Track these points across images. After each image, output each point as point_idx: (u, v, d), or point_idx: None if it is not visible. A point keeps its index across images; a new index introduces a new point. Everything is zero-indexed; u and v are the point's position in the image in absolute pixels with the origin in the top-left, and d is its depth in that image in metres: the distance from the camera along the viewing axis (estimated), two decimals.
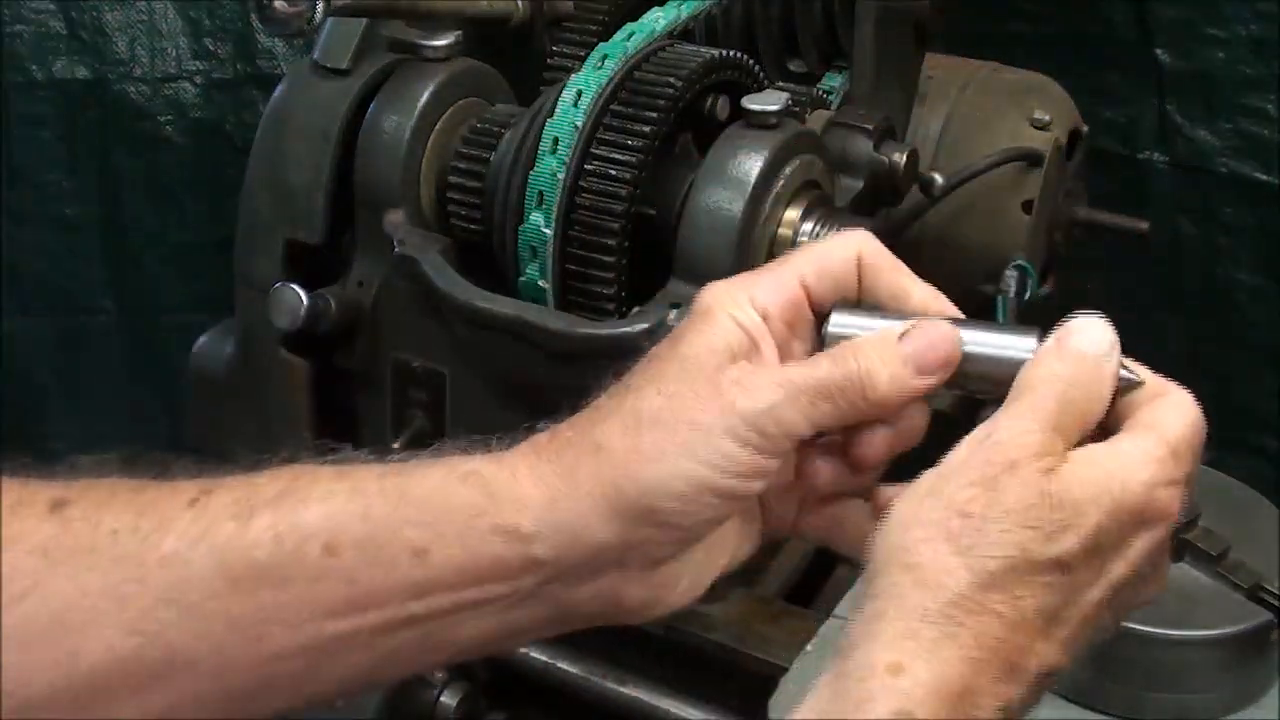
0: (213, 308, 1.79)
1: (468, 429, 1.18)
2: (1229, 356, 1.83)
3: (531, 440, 0.73)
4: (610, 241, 1.10)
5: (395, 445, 1.20)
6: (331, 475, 0.70)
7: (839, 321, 0.73)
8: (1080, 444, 0.68)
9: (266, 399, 1.26)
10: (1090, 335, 0.69)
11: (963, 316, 0.74)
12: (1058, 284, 1.49)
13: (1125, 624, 0.95)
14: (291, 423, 1.25)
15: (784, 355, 0.73)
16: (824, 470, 0.74)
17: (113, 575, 0.66)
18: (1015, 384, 0.70)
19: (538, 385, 1.13)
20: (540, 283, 1.12)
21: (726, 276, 1.06)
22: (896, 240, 1.39)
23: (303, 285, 1.15)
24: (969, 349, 0.72)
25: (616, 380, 0.73)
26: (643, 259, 1.12)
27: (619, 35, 1.18)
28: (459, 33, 1.20)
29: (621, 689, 1.19)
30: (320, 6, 1.07)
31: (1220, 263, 1.80)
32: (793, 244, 1.10)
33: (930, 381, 0.71)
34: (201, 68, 1.89)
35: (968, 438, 0.68)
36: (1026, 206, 1.37)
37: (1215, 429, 1.97)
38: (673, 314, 1.06)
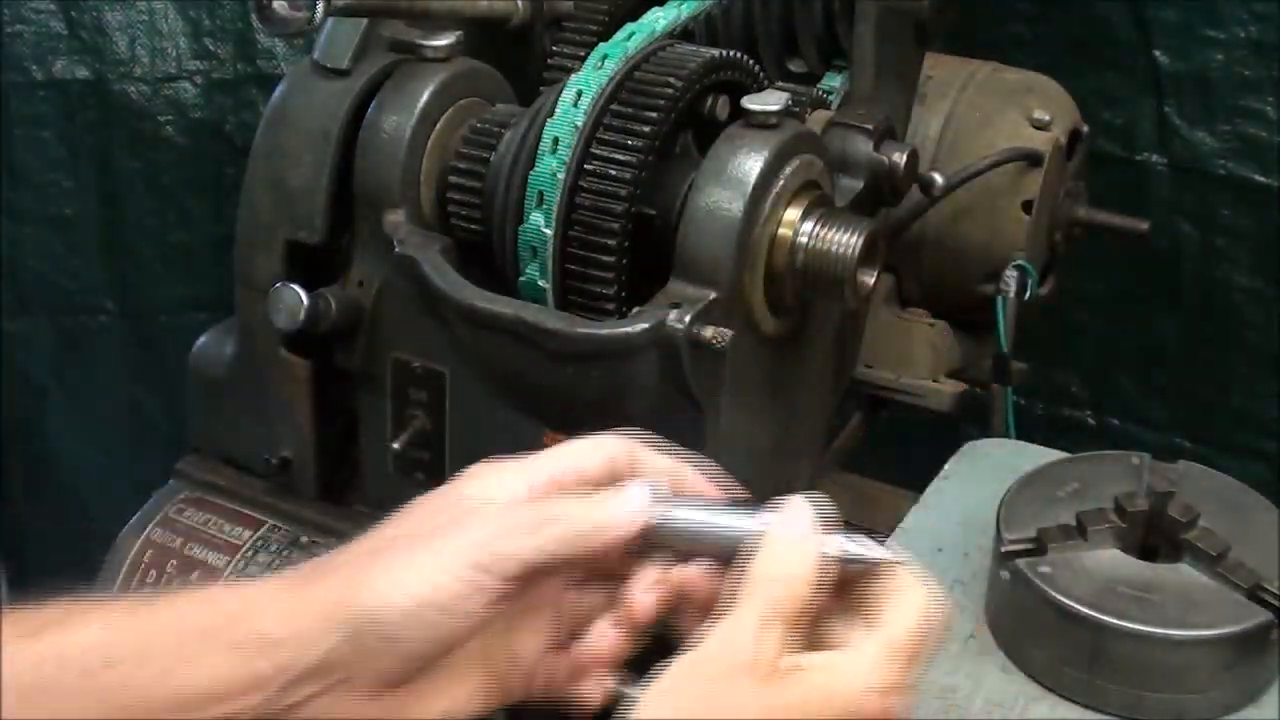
0: (213, 308, 1.79)
1: (468, 429, 1.19)
2: (1227, 359, 1.83)
3: (301, 565, 0.79)
4: (610, 241, 1.10)
5: (395, 445, 1.20)
6: (110, 600, 0.78)
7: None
8: (815, 633, 0.72)
9: (266, 399, 1.26)
10: (791, 526, 0.73)
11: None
12: (1058, 284, 1.49)
13: (1125, 623, 0.96)
14: (292, 423, 1.25)
15: None
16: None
17: None
18: (726, 587, 0.73)
19: (538, 385, 1.13)
20: (540, 283, 1.12)
21: (726, 276, 1.08)
22: (896, 240, 1.39)
23: (303, 285, 1.15)
24: (682, 525, 0.77)
25: None
26: (643, 259, 1.12)
27: (619, 35, 1.18)
28: (459, 33, 1.20)
29: (621, 689, 1.19)
30: (320, 6, 1.07)
31: (1219, 265, 1.80)
32: (793, 244, 1.10)
33: (622, 530, 0.76)
34: (201, 68, 1.89)
35: (681, 657, 0.71)
36: (1026, 206, 1.37)
37: (1214, 431, 1.98)
38: (672, 314, 1.06)
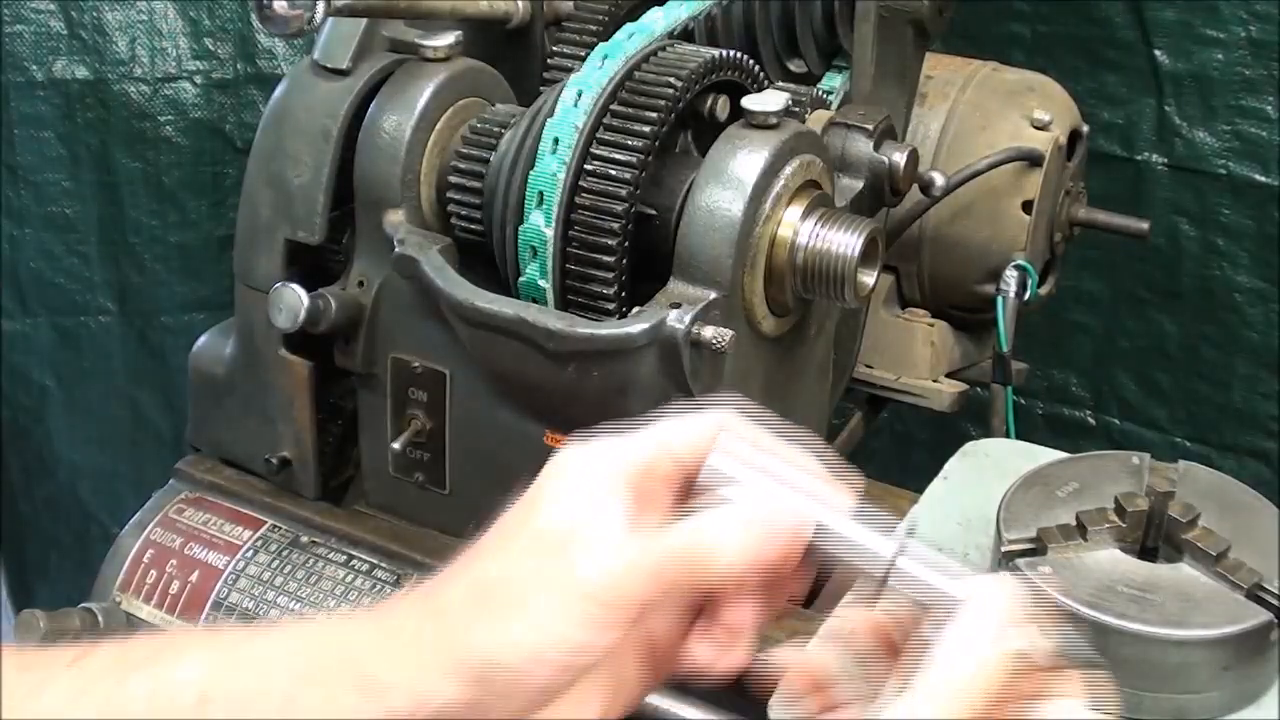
0: (213, 308, 1.79)
1: (468, 429, 1.19)
2: (1228, 358, 1.83)
3: (392, 598, 0.74)
4: (610, 241, 1.10)
5: (395, 445, 1.20)
6: (206, 634, 0.74)
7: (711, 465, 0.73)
8: None
9: (266, 399, 1.26)
10: (992, 616, 0.69)
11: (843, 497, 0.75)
12: (1057, 284, 1.49)
13: (1125, 623, 0.96)
14: (291, 423, 1.25)
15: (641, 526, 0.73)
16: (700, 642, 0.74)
17: None
18: (910, 648, 0.71)
19: (538, 385, 1.13)
20: (540, 283, 1.12)
21: (726, 276, 1.08)
22: (896, 240, 1.39)
23: (303, 285, 1.15)
24: (830, 535, 0.73)
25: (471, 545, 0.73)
26: (643, 259, 1.12)
27: (619, 35, 1.18)
28: (459, 33, 1.20)
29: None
30: (320, 6, 1.07)
31: (1218, 264, 1.80)
32: (793, 244, 1.10)
33: (777, 555, 0.71)
34: (201, 68, 1.89)
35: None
36: (1026, 206, 1.37)
37: (1214, 431, 1.98)
38: (672, 314, 1.06)
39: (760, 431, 0.76)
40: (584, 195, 1.10)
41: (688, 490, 0.74)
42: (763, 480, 0.74)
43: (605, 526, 0.70)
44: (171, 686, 0.68)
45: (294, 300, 1.15)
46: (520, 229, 1.12)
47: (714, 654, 0.75)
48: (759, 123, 1.09)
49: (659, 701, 1.18)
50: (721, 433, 0.74)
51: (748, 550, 0.71)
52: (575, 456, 0.73)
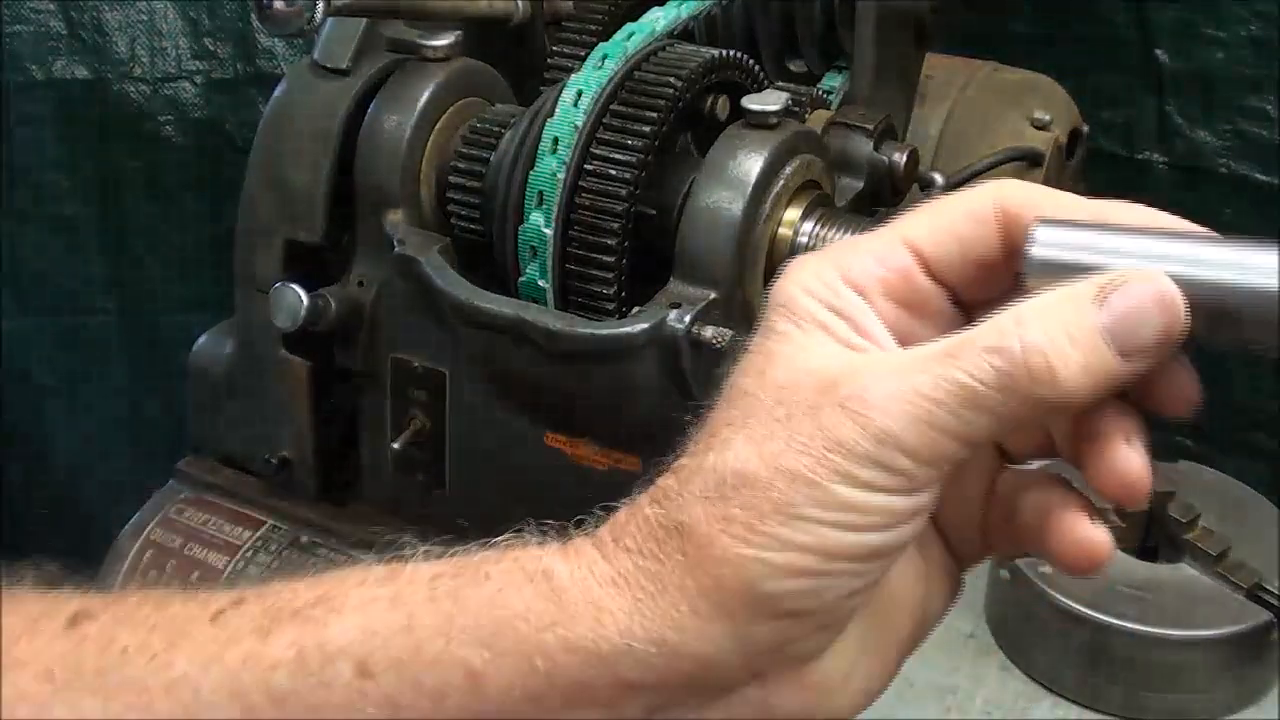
0: (213, 308, 1.79)
1: (468, 429, 1.19)
2: (1228, 358, 1.83)
3: (610, 523, 0.57)
4: (610, 241, 1.10)
5: (395, 445, 1.20)
6: (378, 578, 0.58)
7: (1046, 240, 0.53)
8: None
9: (266, 399, 1.26)
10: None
11: (1204, 232, 0.54)
12: None
13: (1125, 623, 0.96)
14: (292, 423, 1.25)
15: (903, 343, 0.56)
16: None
17: (114, 702, 0.57)
18: None
19: (538, 385, 1.13)
20: (540, 283, 1.12)
21: (726, 276, 1.08)
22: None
23: (303, 285, 1.15)
24: (1207, 278, 0.51)
25: (698, 423, 0.59)
26: (643, 259, 1.12)
27: (619, 35, 1.18)
28: (459, 33, 1.20)
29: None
30: (320, 6, 1.07)
31: None
32: (793, 244, 1.10)
33: (1140, 366, 0.50)
34: (201, 68, 1.89)
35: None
36: None
37: (1214, 431, 1.98)
38: (672, 314, 1.06)
39: (1055, 196, 0.56)
40: (584, 195, 1.10)
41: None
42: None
43: (870, 356, 0.54)
44: (323, 650, 0.55)
45: (294, 300, 1.15)
46: (520, 229, 1.12)
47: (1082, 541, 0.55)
48: (759, 123, 1.09)
49: None
50: (1004, 206, 0.55)
51: (1098, 368, 0.50)
52: (805, 278, 0.57)
